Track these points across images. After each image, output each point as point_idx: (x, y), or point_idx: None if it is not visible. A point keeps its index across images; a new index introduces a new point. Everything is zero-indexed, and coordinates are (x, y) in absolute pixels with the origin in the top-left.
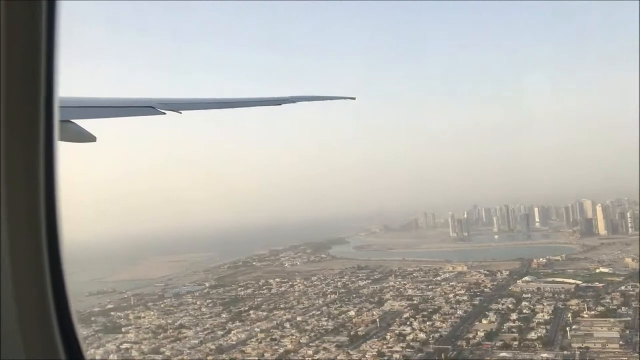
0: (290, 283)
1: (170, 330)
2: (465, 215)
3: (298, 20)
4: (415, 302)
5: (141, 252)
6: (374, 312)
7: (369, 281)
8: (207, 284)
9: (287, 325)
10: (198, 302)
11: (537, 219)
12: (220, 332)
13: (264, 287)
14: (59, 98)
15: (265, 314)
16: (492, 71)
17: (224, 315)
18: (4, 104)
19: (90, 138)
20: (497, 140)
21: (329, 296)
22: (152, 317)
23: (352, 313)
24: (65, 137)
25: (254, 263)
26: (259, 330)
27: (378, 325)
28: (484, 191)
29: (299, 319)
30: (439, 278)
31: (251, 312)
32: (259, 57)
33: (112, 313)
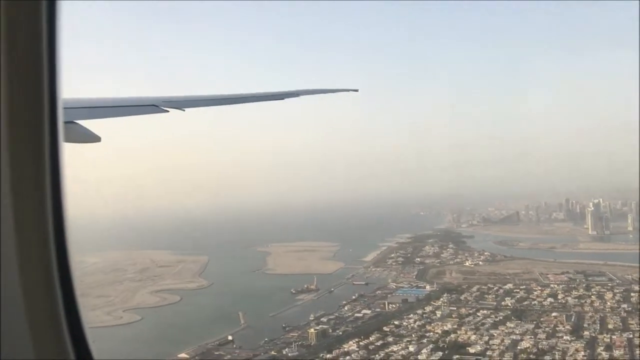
0: (549, 292)
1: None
2: (609, 212)
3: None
4: None
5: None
6: None
7: None
8: (428, 287)
9: None
10: (488, 318)
11: None
12: None
13: (531, 298)
14: (63, 99)
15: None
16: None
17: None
18: (8, 108)
19: (95, 138)
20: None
21: None
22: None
23: None
24: (70, 138)
25: (417, 259)
26: None
27: None
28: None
29: None
30: None
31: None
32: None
33: (397, 322)
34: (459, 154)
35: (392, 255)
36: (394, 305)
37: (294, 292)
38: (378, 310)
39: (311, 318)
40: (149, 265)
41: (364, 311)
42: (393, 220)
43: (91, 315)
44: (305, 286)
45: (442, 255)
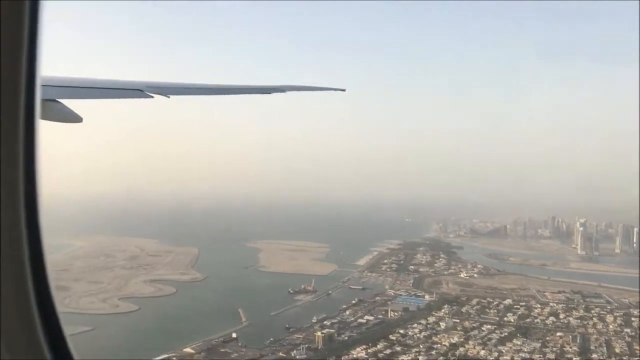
0: (549, 310)
1: None
2: (595, 232)
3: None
4: None
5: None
6: None
7: None
8: (427, 297)
9: None
10: (494, 334)
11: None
12: None
13: (533, 316)
14: (48, 78)
15: None
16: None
17: None
18: None
19: (77, 118)
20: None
21: None
22: (473, 347)
23: None
24: (51, 117)
25: (410, 267)
26: None
27: None
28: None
29: None
30: None
31: None
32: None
33: (402, 331)
34: (448, 160)
35: (385, 261)
36: (396, 313)
37: (291, 291)
38: (380, 317)
39: (314, 320)
40: (138, 254)
41: (367, 317)
42: (380, 224)
43: (86, 301)
44: (303, 286)
45: (435, 264)
